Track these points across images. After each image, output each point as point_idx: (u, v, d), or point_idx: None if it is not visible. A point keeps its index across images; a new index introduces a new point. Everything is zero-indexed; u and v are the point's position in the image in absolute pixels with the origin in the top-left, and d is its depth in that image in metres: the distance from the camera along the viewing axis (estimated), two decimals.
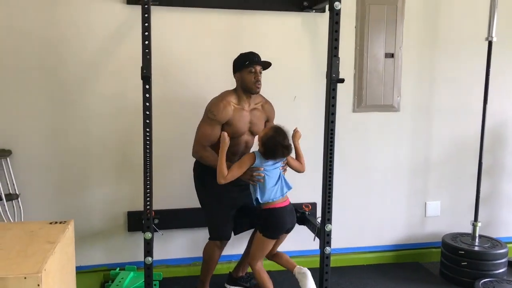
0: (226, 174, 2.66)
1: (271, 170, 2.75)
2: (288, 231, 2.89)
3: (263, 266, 2.90)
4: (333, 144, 2.88)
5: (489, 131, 3.56)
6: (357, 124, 3.58)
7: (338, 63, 2.81)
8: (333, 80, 2.81)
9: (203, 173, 2.90)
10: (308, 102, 3.46)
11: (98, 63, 3.13)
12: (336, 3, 2.76)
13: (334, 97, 2.84)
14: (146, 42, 2.56)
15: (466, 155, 3.78)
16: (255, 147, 2.88)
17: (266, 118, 2.98)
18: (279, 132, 2.70)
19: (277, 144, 2.67)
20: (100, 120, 3.17)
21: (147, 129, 2.64)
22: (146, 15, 2.55)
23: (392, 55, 3.56)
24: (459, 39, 3.65)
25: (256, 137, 2.86)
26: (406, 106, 3.64)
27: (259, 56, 2.84)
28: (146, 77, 2.55)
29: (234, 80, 2.90)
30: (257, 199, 2.77)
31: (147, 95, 2.61)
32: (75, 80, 3.11)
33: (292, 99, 3.44)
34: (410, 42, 3.58)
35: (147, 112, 2.63)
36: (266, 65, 2.84)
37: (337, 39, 2.80)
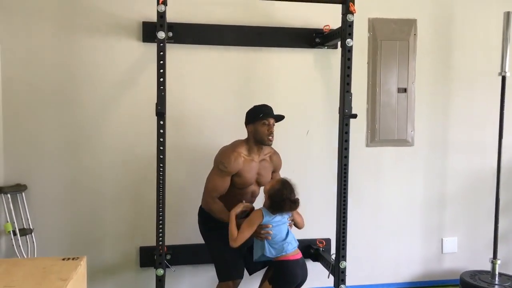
0: (236, 237, 2.63)
1: (280, 226, 2.68)
2: (299, 285, 2.78)
3: None
4: (347, 179, 2.86)
5: (505, 166, 3.51)
6: (370, 159, 3.56)
7: (351, 98, 2.83)
8: (346, 115, 2.82)
9: (208, 219, 2.88)
10: (321, 137, 3.46)
11: (115, 101, 3.19)
12: (348, 40, 2.80)
13: (347, 133, 2.85)
14: (161, 79, 2.61)
15: (482, 190, 3.72)
16: (260, 196, 2.87)
17: (273, 169, 2.97)
18: (286, 185, 2.64)
19: (285, 199, 2.60)
20: (114, 156, 3.20)
21: (161, 165, 2.66)
22: (161, 53, 2.61)
23: (405, 90, 3.56)
24: (472, 73, 3.66)
25: (262, 188, 2.83)
26: (420, 141, 3.62)
27: (272, 109, 2.84)
28: (160, 114, 2.59)
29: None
30: (263, 255, 2.70)
31: (161, 131, 2.63)
32: (91, 117, 3.16)
33: (304, 134, 3.45)
34: (423, 77, 3.59)
35: (161, 148, 2.65)
36: (279, 118, 2.85)
37: (349, 75, 2.83)
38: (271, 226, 2.65)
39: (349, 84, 2.83)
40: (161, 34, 2.59)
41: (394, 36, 3.53)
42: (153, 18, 2.94)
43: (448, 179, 3.70)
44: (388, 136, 3.57)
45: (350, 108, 2.83)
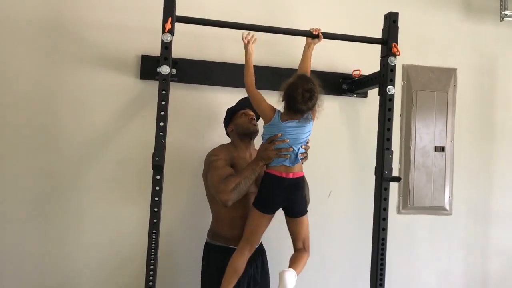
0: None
1: (291, 133, 2.16)
2: (293, 211, 2.22)
3: (246, 254, 2.21)
4: (385, 256, 2.34)
5: None
6: (402, 228, 3.01)
7: (392, 157, 2.32)
8: (385, 178, 2.30)
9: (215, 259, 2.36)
10: (345, 199, 2.93)
11: (102, 147, 2.65)
12: (390, 87, 2.34)
13: (386, 199, 2.33)
14: (161, 124, 2.09)
15: None
16: None
17: None
18: (302, 77, 2.18)
19: (298, 87, 2.11)
20: (97, 212, 2.63)
21: (153, 231, 2.09)
22: (164, 92, 2.10)
23: (442, 149, 3.06)
24: None
25: None
26: (459, 208, 3.09)
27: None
28: (158, 167, 2.04)
29: None
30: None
31: (157, 188, 2.08)
32: (72, 162, 2.61)
33: (326, 195, 2.91)
34: (463, 135, 3.11)
35: (155, 210, 2.09)
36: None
37: (389, 129, 2.34)
38: (280, 135, 2.16)
39: (389, 139, 2.33)
40: (165, 69, 2.09)
41: (431, 86, 3.06)
42: (154, 51, 2.51)
43: (491, 256, 3.14)
44: (423, 202, 3.03)
45: (391, 169, 2.32)
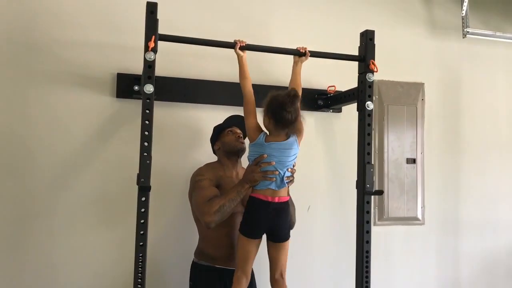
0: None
1: (277, 156, 2.12)
2: (276, 236, 2.16)
3: (244, 283, 2.15)
4: (369, 267, 2.37)
5: None
6: (379, 240, 3.05)
7: (373, 171, 2.37)
8: (367, 191, 2.35)
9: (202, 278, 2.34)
10: (323, 213, 2.96)
11: (76, 170, 2.56)
12: (368, 102, 2.40)
13: (369, 212, 2.37)
14: (146, 144, 2.05)
15: (496, 275, 3.30)
16: None
17: None
18: (281, 91, 2.14)
19: (279, 96, 2.09)
20: (74, 241, 2.53)
21: (140, 255, 2.03)
22: (147, 111, 2.06)
23: (414, 161, 3.16)
24: (482, 144, 3.33)
25: None
26: (431, 218, 3.19)
27: (238, 118, 2.43)
28: (144, 188, 2.00)
29: None
30: None
31: (143, 210, 2.04)
32: (46, 185, 2.51)
33: (305, 209, 2.92)
34: (432, 147, 3.21)
35: (141, 232, 2.04)
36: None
37: (369, 144, 2.39)
38: (266, 156, 2.12)
39: (369, 154, 2.39)
40: (149, 88, 2.06)
41: (401, 100, 3.16)
42: (130, 69, 2.48)
43: (462, 263, 3.26)
44: (397, 213, 3.11)
45: (372, 182, 2.37)
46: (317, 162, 2.97)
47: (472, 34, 3.13)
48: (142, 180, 2.01)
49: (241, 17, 2.88)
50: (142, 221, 2.03)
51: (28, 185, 2.47)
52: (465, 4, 3.11)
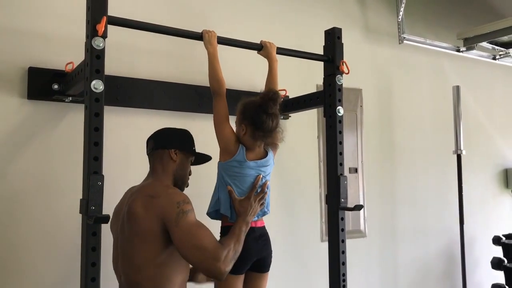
0: None
1: (251, 174, 1.82)
2: (262, 265, 1.88)
3: None
4: None
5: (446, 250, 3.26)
6: (326, 256, 2.84)
7: (346, 183, 2.14)
8: (342, 207, 2.10)
9: None
10: (277, 230, 2.65)
11: None
12: (339, 108, 2.20)
13: (344, 230, 2.13)
14: (96, 159, 1.54)
15: (429, 279, 3.34)
16: None
17: None
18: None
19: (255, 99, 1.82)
20: None
21: None
22: (96, 116, 1.56)
23: (356, 170, 3.02)
24: (412, 151, 3.34)
25: None
26: (372, 230, 3.08)
27: None
28: (100, 219, 1.48)
29: None
30: (216, 211, 1.83)
31: (94, 247, 1.53)
32: None
33: None
34: (370, 155, 3.12)
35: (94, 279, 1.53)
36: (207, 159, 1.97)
37: (341, 153, 2.16)
38: (261, 176, 1.83)
39: (342, 164, 2.15)
40: (98, 85, 1.56)
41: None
42: (46, 62, 1.96)
43: (402, 269, 3.21)
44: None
45: (346, 196, 2.13)
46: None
47: (408, 40, 3.10)
48: (92, 208, 1.50)
49: (179, 6, 2.46)
50: (93, 263, 1.51)
51: None
52: (401, 11, 3.07)
